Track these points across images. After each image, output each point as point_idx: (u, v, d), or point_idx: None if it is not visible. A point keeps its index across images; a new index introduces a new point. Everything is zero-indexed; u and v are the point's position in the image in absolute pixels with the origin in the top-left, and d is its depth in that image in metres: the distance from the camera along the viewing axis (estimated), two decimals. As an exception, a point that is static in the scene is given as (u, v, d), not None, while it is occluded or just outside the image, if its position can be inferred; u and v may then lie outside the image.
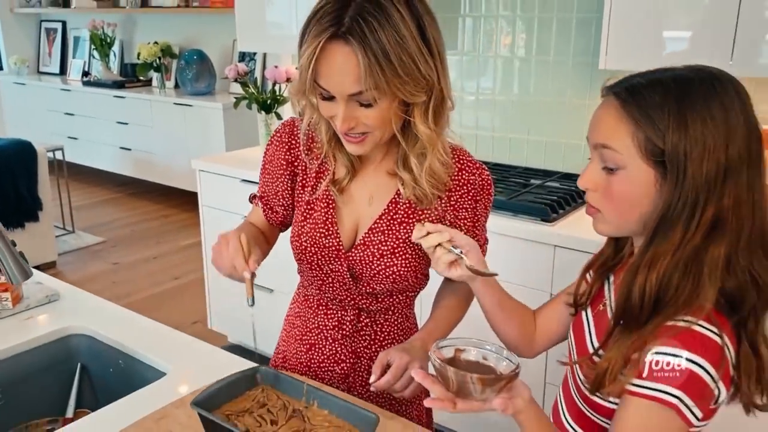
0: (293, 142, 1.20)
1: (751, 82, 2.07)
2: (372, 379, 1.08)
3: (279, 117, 2.90)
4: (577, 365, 0.95)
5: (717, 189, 0.82)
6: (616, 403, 0.88)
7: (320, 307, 1.23)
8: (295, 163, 1.20)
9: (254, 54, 4.70)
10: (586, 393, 0.93)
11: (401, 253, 1.14)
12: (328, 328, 1.23)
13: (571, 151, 2.49)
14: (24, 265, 1.12)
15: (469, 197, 1.16)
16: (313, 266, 1.18)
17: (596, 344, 0.94)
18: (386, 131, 1.05)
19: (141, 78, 5.26)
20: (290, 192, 1.21)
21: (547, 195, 2.19)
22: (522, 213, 2.07)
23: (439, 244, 1.02)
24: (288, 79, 2.77)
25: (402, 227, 1.14)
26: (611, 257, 1.01)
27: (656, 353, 0.81)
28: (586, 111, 2.41)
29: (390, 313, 1.22)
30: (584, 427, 0.96)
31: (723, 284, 0.83)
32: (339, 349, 1.22)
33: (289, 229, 1.24)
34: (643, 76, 0.88)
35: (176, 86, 5.09)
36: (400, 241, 1.14)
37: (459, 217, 1.16)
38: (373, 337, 1.22)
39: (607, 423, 0.91)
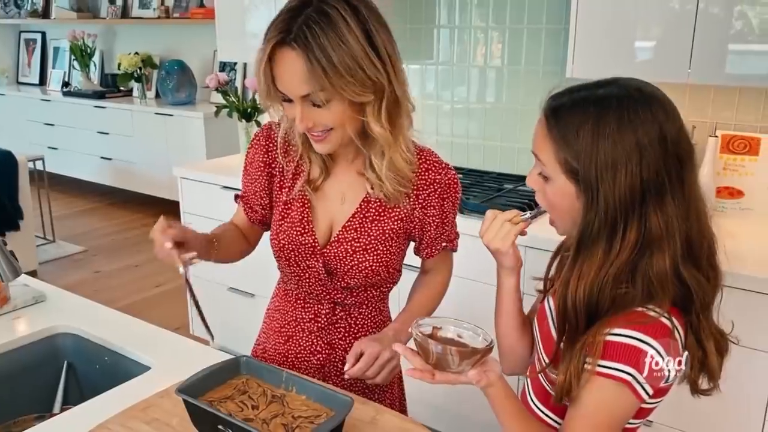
0: (270, 145, 1.27)
1: (710, 90, 2.18)
2: (346, 367, 1.14)
3: (259, 125, 2.95)
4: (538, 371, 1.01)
5: (636, 209, 0.87)
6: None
7: (298, 301, 1.30)
8: (272, 165, 1.27)
9: (235, 64, 4.76)
10: (548, 390, 1.00)
11: (373, 249, 1.21)
12: (304, 320, 1.29)
13: (543, 156, 2.57)
14: (15, 263, 1.17)
15: (436, 195, 1.23)
16: (290, 263, 1.25)
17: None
18: (346, 130, 1.12)
19: (122, 88, 5.29)
20: (268, 192, 1.28)
21: (519, 198, 2.27)
22: (494, 216, 2.15)
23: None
24: (268, 88, 2.83)
25: (374, 225, 1.21)
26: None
27: (611, 335, 0.88)
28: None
29: (364, 306, 1.29)
30: (549, 407, 1.02)
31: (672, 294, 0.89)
32: (315, 340, 1.29)
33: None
34: (571, 93, 0.94)
35: (157, 96, 5.13)
36: (372, 237, 1.21)
37: (427, 214, 1.24)
38: (347, 329, 1.29)
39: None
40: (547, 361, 1.01)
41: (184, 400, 1.03)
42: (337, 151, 1.19)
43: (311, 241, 1.22)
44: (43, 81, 6.06)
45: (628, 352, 0.87)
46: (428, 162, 1.23)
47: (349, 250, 1.21)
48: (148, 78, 5.14)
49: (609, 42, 2.07)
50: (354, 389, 1.28)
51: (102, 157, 5.20)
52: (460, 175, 2.54)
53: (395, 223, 1.22)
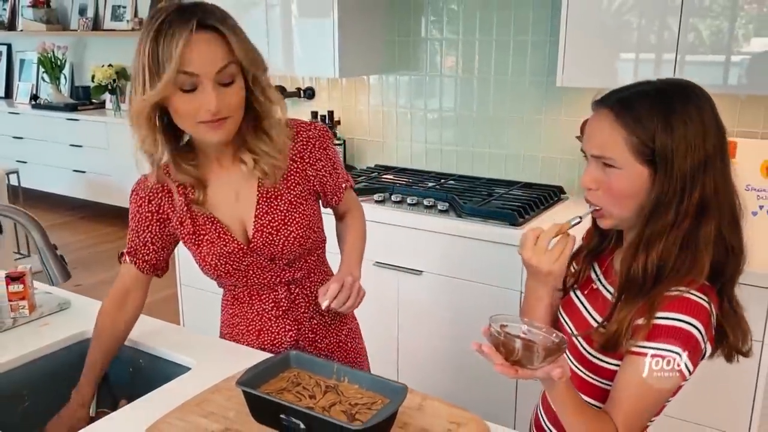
0: (151, 195, 1.33)
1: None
2: (324, 302, 1.24)
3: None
4: (580, 337, 1.10)
5: (700, 177, 0.99)
6: (616, 364, 1.04)
7: (252, 298, 1.39)
8: (160, 211, 1.33)
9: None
10: (591, 359, 1.08)
11: (291, 220, 1.30)
12: (266, 310, 1.39)
13: (530, 162, 2.69)
14: (64, 266, 1.20)
15: (317, 148, 1.34)
16: (231, 273, 1.33)
17: (598, 318, 1.09)
18: (240, 114, 1.21)
19: (94, 100, 5.25)
20: (160, 237, 1.35)
21: (512, 202, 2.37)
22: (491, 218, 2.25)
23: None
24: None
25: (279, 200, 1.30)
26: (597, 246, 1.17)
27: (659, 318, 0.98)
28: (542, 125, 2.63)
29: (313, 275, 1.40)
30: (585, 393, 1.10)
31: (713, 256, 1.00)
32: (282, 323, 1.39)
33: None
34: (628, 89, 1.04)
35: (131, 108, 5.10)
36: (284, 211, 1.30)
37: (319, 167, 1.34)
38: (307, 301, 1.40)
39: (607, 383, 1.07)
40: (586, 347, 1.09)
41: (245, 392, 1.08)
42: (210, 158, 1.29)
43: (237, 246, 1.30)
44: (9, 94, 5.95)
45: (677, 334, 0.97)
46: (296, 126, 1.33)
47: (272, 231, 1.30)
48: (123, 90, 5.10)
49: (597, 52, 2.19)
50: (337, 357, 1.43)
51: (75, 170, 5.14)
52: (452, 182, 2.66)
53: (295, 188, 1.32)
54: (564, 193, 2.59)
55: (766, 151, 2.16)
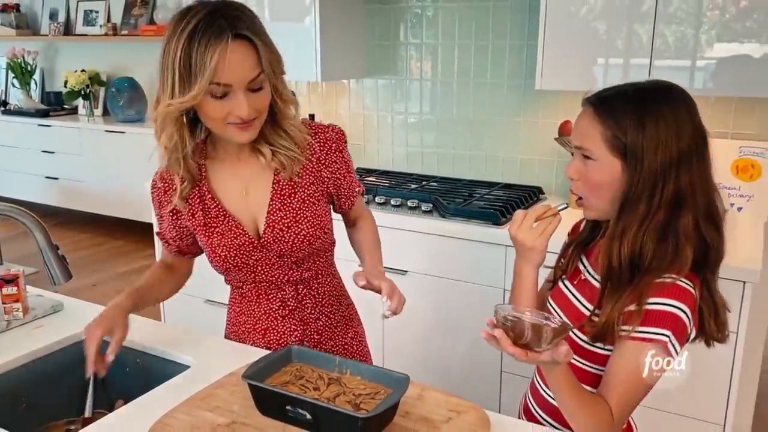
0: (166, 186, 1.36)
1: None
2: (387, 311, 1.26)
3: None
4: (576, 328, 1.15)
5: (673, 173, 1.05)
6: (609, 350, 1.09)
7: (260, 297, 1.41)
8: (172, 201, 1.35)
9: (186, 81, 4.76)
10: (584, 346, 1.13)
11: (303, 218, 1.33)
12: (273, 309, 1.41)
13: (509, 163, 2.76)
14: (66, 267, 1.21)
15: (333, 150, 1.37)
16: (240, 267, 1.36)
17: (589, 306, 1.15)
18: (265, 114, 1.25)
19: (66, 106, 5.19)
20: (174, 227, 1.40)
21: (494, 202, 2.43)
22: (475, 218, 2.30)
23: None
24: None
25: (292, 198, 1.33)
26: (587, 238, 1.23)
27: (650, 303, 1.03)
28: (521, 127, 2.70)
29: (320, 276, 1.42)
30: (578, 378, 1.15)
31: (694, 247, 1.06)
32: (288, 323, 1.41)
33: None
34: (612, 89, 1.12)
35: (104, 114, 5.06)
36: (296, 209, 1.33)
37: (334, 170, 1.37)
38: (313, 302, 1.42)
39: (599, 368, 1.12)
40: (579, 335, 1.14)
41: (251, 385, 1.11)
42: (229, 152, 1.33)
43: (248, 240, 1.33)
44: (-24, 100, 5.84)
45: (666, 317, 1.03)
46: (313, 127, 1.37)
47: (283, 227, 1.32)
48: (96, 95, 5.06)
49: (574, 57, 2.27)
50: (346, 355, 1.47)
51: (47, 177, 5.07)
52: (434, 183, 2.71)
53: (309, 188, 1.35)
54: (543, 193, 2.65)
55: (736, 151, 2.26)
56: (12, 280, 1.48)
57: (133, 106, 4.75)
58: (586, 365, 1.14)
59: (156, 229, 1.47)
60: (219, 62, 1.13)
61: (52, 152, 5.00)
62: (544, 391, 1.23)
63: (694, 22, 2.09)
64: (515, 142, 2.72)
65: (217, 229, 1.34)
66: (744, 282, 1.86)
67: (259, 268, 1.36)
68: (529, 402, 1.29)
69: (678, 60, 2.15)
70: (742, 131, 2.32)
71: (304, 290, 1.41)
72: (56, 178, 5.04)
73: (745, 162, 2.26)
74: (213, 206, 1.34)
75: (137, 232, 4.82)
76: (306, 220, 1.34)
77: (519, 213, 1.21)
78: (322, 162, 1.36)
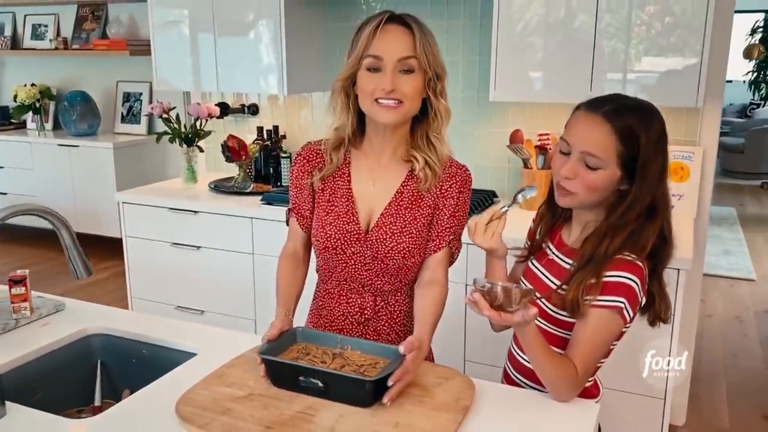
0: (311, 156, 1.52)
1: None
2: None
3: (201, 150, 3.13)
4: (543, 298, 1.34)
5: (661, 185, 1.26)
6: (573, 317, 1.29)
7: (341, 298, 1.51)
8: (313, 173, 1.50)
9: (140, 94, 4.83)
10: (552, 314, 1.32)
11: (408, 232, 1.44)
12: (352, 314, 1.51)
13: (464, 170, 2.97)
14: (87, 262, 1.33)
15: (456, 188, 1.46)
16: (337, 252, 1.46)
17: (556, 281, 1.34)
18: (413, 105, 1.38)
19: (13, 121, 5.14)
20: (312, 196, 1.52)
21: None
22: (437, 220, 2.49)
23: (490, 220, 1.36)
24: (209, 115, 3.02)
25: (408, 211, 1.45)
26: (549, 222, 1.42)
27: (608, 276, 1.24)
28: (474, 137, 2.92)
29: (399, 293, 1.50)
30: (549, 342, 1.34)
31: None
32: (364, 330, 1.50)
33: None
34: (616, 100, 1.27)
35: (54, 128, 5.05)
36: (407, 222, 1.45)
37: (444, 203, 1.45)
38: (388, 317, 1.51)
39: (566, 333, 1.31)
40: (548, 305, 1.33)
41: (267, 361, 1.25)
42: (375, 150, 1.46)
43: (356, 228, 1.45)
44: None
45: (620, 287, 1.23)
46: (450, 160, 1.48)
47: (389, 233, 1.44)
48: (47, 109, 5.04)
49: (524, 70, 2.50)
50: None
51: (-4, 192, 5.01)
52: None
53: (425, 209, 1.45)
54: (496, 196, 2.88)
55: (671, 155, 2.54)
56: (20, 281, 1.57)
57: (86, 120, 4.77)
58: (554, 330, 1.34)
59: (289, 205, 1.55)
60: (373, 36, 1.33)
61: (1, 167, 4.94)
62: (520, 356, 1.42)
63: (624, 37, 2.35)
64: (469, 150, 2.93)
65: (336, 209, 1.47)
66: (678, 269, 2.12)
67: (352, 262, 1.46)
68: (507, 368, 1.48)
69: (612, 73, 2.41)
70: (672, 137, 2.58)
71: (382, 303, 1.49)
72: (5, 194, 4.98)
73: (676, 165, 2.54)
74: (343, 188, 1.47)
75: (92, 245, 4.82)
76: (411, 235, 1.44)
77: (470, 222, 1.39)
78: (444, 192, 1.45)
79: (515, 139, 2.71)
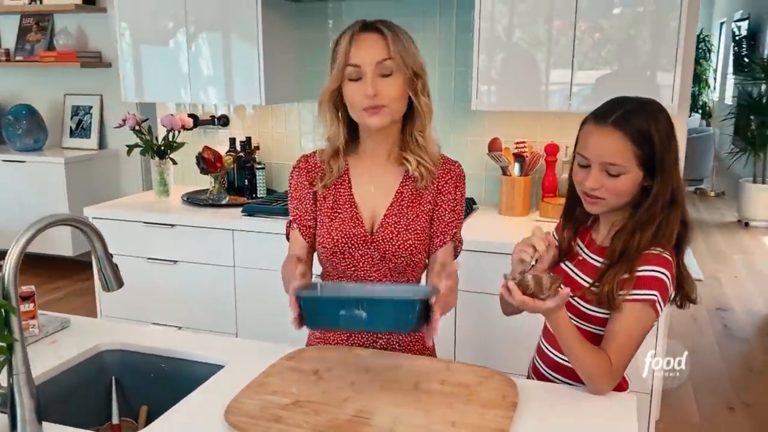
0: (309, 167, 1.54)
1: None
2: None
3: (174, 162, 3.06)
4: (577, 297, 1.38)
5: (677, 177, 1.32)
6: (606, 313, 1.33)
7: None
8: (313, 183, 1.52)
9: (90, 107, 4.67)
10: (585, 311, 1.37)
11: (413, 229, 1.48)
12: None
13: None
14: (118, 274, 1.28)
15: (452, 184, 1.51)
16: (345, 256, 1.49)
17: (588, 280, 1.38)
18: (398, 107, 1.41)
19: (-51, 136, 4.86)
20: (314, 207, 1.53)
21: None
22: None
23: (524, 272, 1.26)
24: (183, 126, 2.96)
25: (410, 209, 1.49)
26: (571, 230, 1.47)
27: (640, 271, 1.29)
28: (452, 145, 2.96)
29: None
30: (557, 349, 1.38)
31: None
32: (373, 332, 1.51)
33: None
34: (620, 106, 1.32)
35: (-2, 143, 4.82)
36: (410, 220, 1.49)
37: (442, 199, 1.50)
38: None
39: (598, 329, 1.36)
40: (581, 303, 1.38)
41: (305, 299, 1.21)
42: (370, 145, 1.49)
43: (362, 231, 1.48)
44: None
45: (653, 281, 1.28)
46: (443, 157, 1.54)
47: (394, 231, 1.48)
48: (-8, 124, 4.80)
49: (504, 81, 2.58)
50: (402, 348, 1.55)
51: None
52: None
53: (426, 206, 1.49)
54: (475, 204, 2.94)
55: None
56: (28, 297, 1.50)
57: (32, 135, 4.57)
58: (586, 326, 1.38)
59: (290, 217, 1.55)
60: (350, 46, 1.38)
61: (-61, 185, 4.66)
62: (551, 352, 1.45)
63: (565, 55, 2.46)
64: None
65: (340, 215, 1.48)
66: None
67: (360, 264, 1.49)
68: (537, 363, 1.51)
69: (559, 85, 2.51)
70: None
71: None
72: (-58, 213, 4.69)
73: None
74: (345, 194, 1.50)
75: (41, 265, 4.61)
76: (415, 232, 1.48)
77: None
78: (441, 188, 1.50)
79: (494, 147, 2.78)
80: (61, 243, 4.37)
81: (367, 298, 1.21)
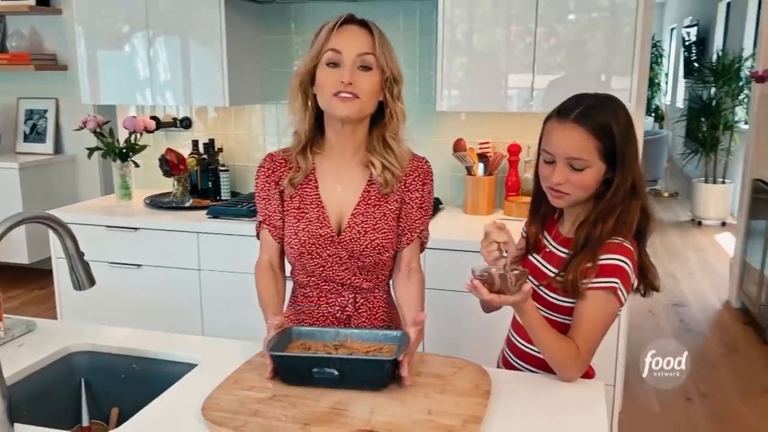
0: (274, 166, 1.53)
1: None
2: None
3: (136, 165, 3.02)
4: (543, 286, 1.42)
5: (636, 165, 1.36)
6: (571, 302, 1.37)
7: (321, 300, 1.54)
8: (279, 183, 1.52)
9: (45, 111, 4.57)
10: (552, 301, 1.40)
11: (380, 228, 1.49)
12: (333, 314, 1.53)
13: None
14: (90, 273, 1.27)
15: (419, 181, 1.53)
16: (313, 256, 1.49)
17: (554, 270, 1.42)
18: (370, 102, 1.41)
19: None
20: (282, 205, 1.53)
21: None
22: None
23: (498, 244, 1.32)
24: (145, 128, 2.92)
25: (376, 209, 1.50)
26: (539, 223, 1.51)
27: (602, 259, 1.33)
28: (417, 146, 2.93)
29: (377, 291, 1.56)
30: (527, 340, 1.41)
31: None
32: (345, 327, 1.52)
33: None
34: (581, 102, 1.36)
35: (-54, 149, 4.66)
36: (377, 219, 1.50)
37: (411, 197, 1.51)
38: (369, 313, 1.55)
39: (564, 318, 1.40)
40: (548, 292, 1.41)
41: (278, 357, 1.26)
42: (335, 152, 1.50)
43: (329, 232, 1.48)
44: None
45: (614, 269, 1.33)
46: (411, 154, 1.55)
47: (361, 231, 1.48)
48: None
49: (468, 82, 2.62)
50: None
51: None
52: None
53: (392, 204, 1.50)
54: (441, 203, 2.97)
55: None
56: (-7, 300, 1.47)
57: (-16, 140, 4.45)
58: (554, 316, 1.42)
59: (259, 218, 1.55)
60: (333, 32, 1.38)
61: None
62: (520, 343, 1.49)
63: (526, 58, 2.53)
64: (411, 159, 3.02)
65: (307, 215, 1.48)
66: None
67: (329, 264, 1.49)
68: (506, 354, 1.55)
69: (520, 87, 2.58)
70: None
71: (362, 300, 1.53)
72: None
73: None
74: (312, 194, 1.50)
75: (-4, 274, 4.48)
76: (383, 231, 1.49)
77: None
78: (408, 186, 1.51)
79: (459, 147, 2.82)
80: (15, 250, 4.26)
81: (338, 358, 1.26)
